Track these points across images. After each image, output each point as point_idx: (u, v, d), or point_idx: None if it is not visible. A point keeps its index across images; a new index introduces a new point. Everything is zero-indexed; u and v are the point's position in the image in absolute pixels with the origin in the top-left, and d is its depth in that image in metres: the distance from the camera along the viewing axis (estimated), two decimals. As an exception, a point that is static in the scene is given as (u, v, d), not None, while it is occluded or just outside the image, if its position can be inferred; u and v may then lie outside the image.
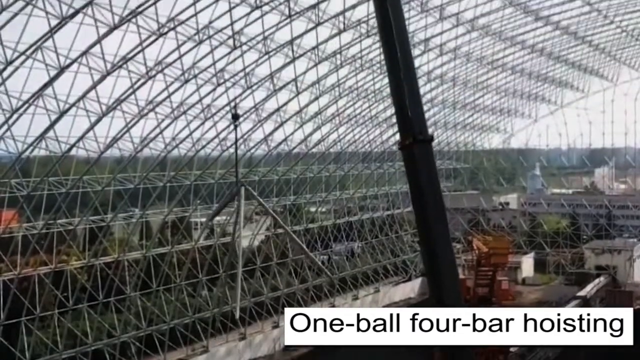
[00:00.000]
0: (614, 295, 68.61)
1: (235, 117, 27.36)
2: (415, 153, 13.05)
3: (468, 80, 62.22)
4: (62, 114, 36.63)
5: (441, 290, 13.36)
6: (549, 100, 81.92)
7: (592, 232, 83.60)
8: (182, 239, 54.93)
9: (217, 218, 57.85)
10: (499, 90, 69.84)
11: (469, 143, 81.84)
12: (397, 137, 12.52)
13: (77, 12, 31.85)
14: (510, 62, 61.88)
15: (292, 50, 42.23)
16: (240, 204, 23.03)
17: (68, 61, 34.03)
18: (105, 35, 33.50)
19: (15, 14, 31.28)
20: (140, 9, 33.34)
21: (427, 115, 60.28)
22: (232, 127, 42.80)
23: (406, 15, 40.27)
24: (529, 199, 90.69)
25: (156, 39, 35.47)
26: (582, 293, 66.84)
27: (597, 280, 72.81)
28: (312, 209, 69.79)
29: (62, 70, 34.06)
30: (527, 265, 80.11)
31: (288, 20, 39.09)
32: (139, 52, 35.90)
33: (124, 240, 52.15)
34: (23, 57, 33.08)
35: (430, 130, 49.98)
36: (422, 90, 53.74)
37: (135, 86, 38.20)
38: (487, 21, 49.84)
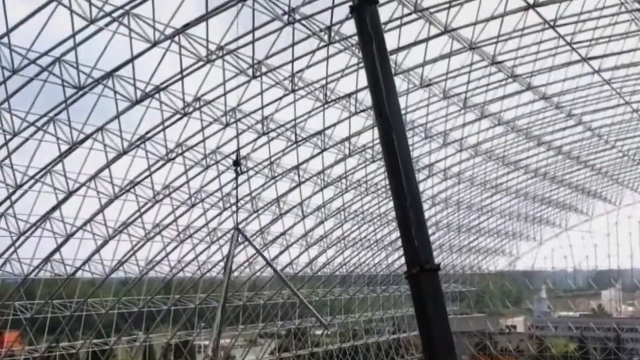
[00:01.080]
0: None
1: (237, 163, 27.67)
2: (422, 282, 13.06)
3: (472, 203, 62.51)
4: (69, 237, 36.82)
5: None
6: (554, 223, 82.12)
7: (601, 356, 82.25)
8: (185, 362, 54.23)
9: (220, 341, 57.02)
10: (503, 214, 70.04)
11: (475, 266, 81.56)
12: (403, 260, 12.56)
13: (87, 137, 32.38)
14: (513, 185, 62.25)
15: (298, 175, 42.71)
16: (233, 245, 24.50)
17: (77, 185, 34.42)
18: (114, 160, 33.98)
19: (27, 139, 31.78)
20: (149, 135, 33.91)
21: (432, 238, 60.25)
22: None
23: (410, 141, 40.79)
24: (536, 321, 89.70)
25: (164, 164, 35.94)
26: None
27: (607, 406, 71.38)
28: (318, 332, 68.99)
29: (70, 194, 34.43)
30: (536, 390, 78.62)
31: (294, 146, 39.70)
32: (147, 177, 36.34)
33: (127, 364, 51.54)
34: (32, 181, 33.49)
35: (435, 254, 49.77)
36: (426, 214, 53.86)
37: (142, 210, 38.48)
38: (490, 146, 50.39)
